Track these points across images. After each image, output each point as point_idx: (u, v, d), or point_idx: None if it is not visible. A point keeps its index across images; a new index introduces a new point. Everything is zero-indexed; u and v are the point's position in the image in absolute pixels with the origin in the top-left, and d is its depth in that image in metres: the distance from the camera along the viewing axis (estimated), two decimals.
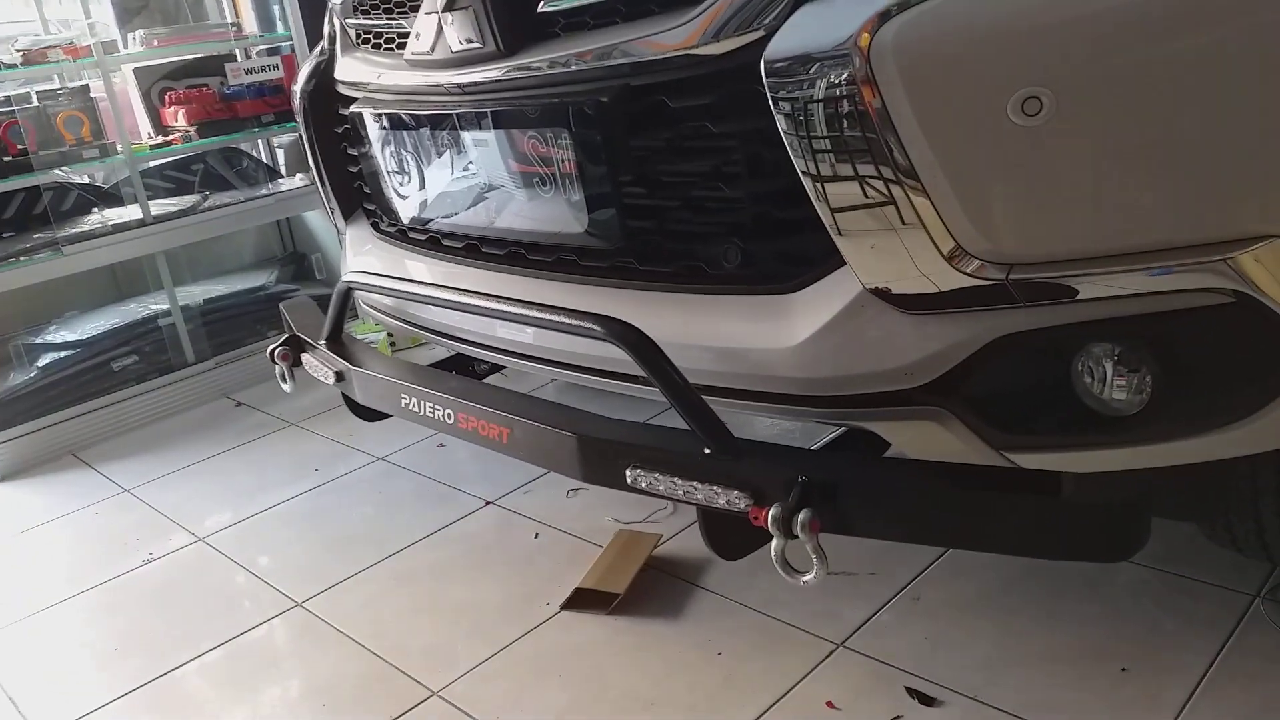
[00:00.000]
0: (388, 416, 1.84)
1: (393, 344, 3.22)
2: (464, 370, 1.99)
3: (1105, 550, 1.03)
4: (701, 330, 1.31)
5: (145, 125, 3.34)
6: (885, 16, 1.01)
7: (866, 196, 1.07)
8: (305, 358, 1.89)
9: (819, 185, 1.09)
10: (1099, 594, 1.61)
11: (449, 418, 1.49)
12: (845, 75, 1.03)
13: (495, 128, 1.45)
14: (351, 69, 1.77)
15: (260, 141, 3.67)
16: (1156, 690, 1.40)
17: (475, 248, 1.65)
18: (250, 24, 3.52)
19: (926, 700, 1.45)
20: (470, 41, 1.42)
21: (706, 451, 1.21)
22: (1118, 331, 1.07)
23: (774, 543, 1.13)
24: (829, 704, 1.46)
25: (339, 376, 1.76)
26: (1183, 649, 1.47)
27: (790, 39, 1.08)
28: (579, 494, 2.18)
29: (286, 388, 1.96)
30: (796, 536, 1.10)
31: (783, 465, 1.17)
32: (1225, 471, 1.31)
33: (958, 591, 1.68)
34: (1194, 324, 1.04)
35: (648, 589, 1.80)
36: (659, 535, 1.95)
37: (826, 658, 1.57)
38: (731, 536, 1.26)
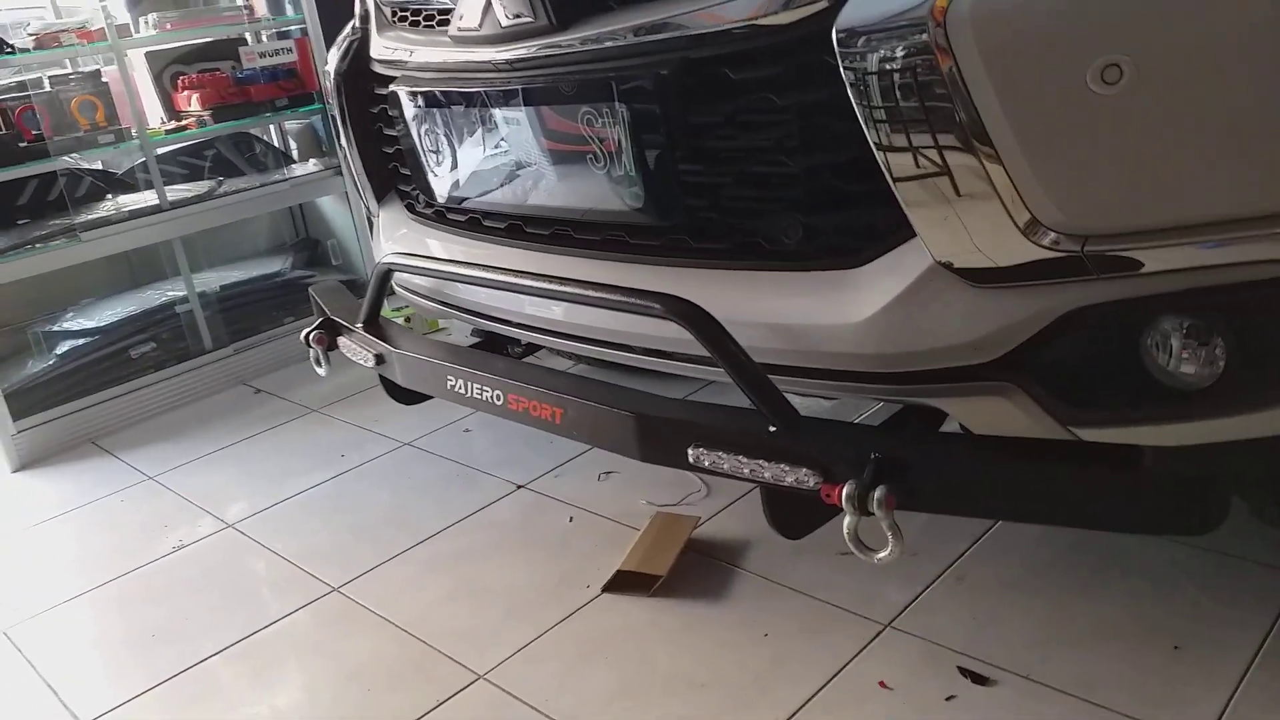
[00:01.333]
0: (426, 399, 1.83)
1: (409, 329, 3.20)
2: (499, 352, 1.98)
3: (1186, 523, 1.03)
4: (762, 307, 1.30)
5: (157, 110, 3.31)
6: None
7: (940, 168, 1.06)
8: (342, 340, 1.88)
9: (891, 156, 1.08)
10: (1140, 572, 1.61)
11: (498, 399, 1.48)
12: (920, 43, 1.01)
13: (544, 105, 1.43)
14: (388, 47, 1.75)
15: (271, 127, 3.64)
16: (1210, 666, 1.40)
17: (518, 228, 1.63)
18: (261, 7, 3.48)
19: (980, 679, 1.44)
20: (520, 16, 1.40)
21: (772, 430, 1.20)
22: (1190, 304, 1.06)
23: (846, 520, 1.12)
24: (881, 684, 1.46)
25: (379, 359, 1.74)
26: (1233, 625, 1.47)
27: (863, 7, 1.07)
28: (611, 477, 2.17)
29: (321, 371, 1.94)
30: (872, 513, 1.09)
31: (853, 443, 1.16)
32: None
33: (1001, 570, 1.68)
34: (1264, 296, 1.03)
35: (688, 571, 1.79)
36: (697, 517, 1.94)
37: (875, 638, 1.56)
38: (794, 515, 1.25)
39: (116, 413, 2.92)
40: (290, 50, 3.29)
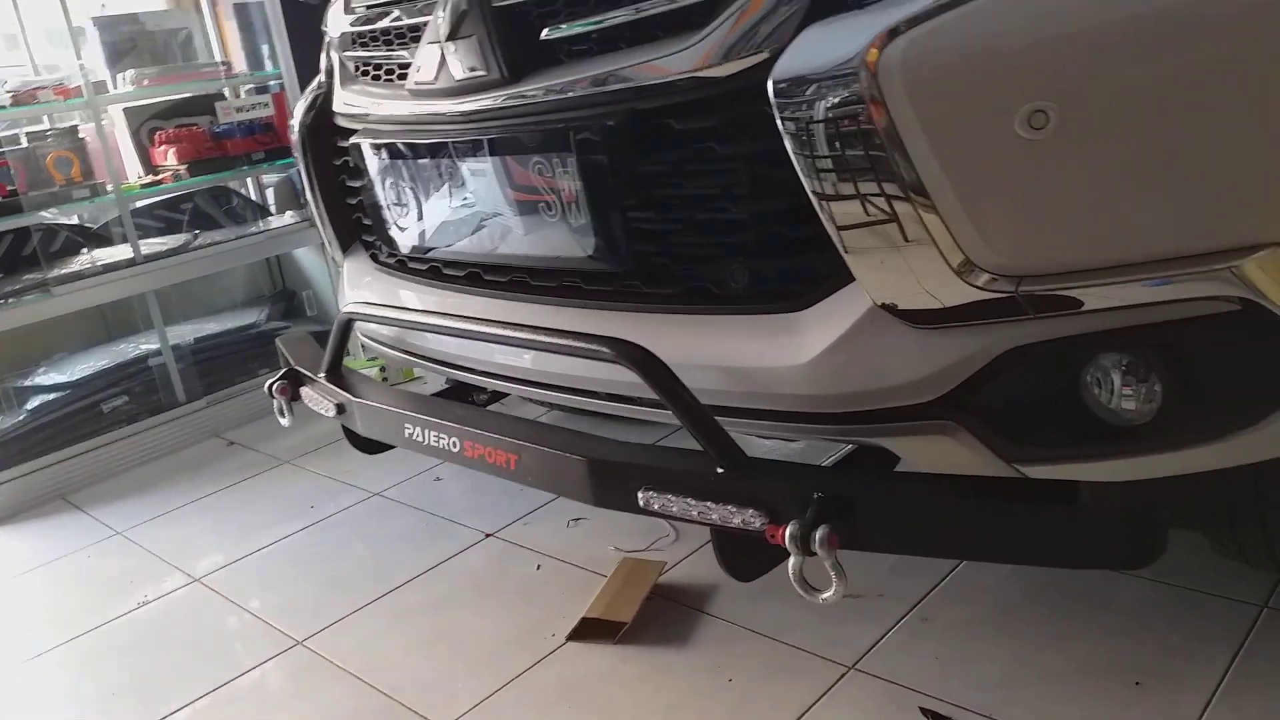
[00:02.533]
0: (389, 449, 1.82)
1: (384, 379, 3.20)
2: (463, 400, 1.98)
3: (1124, 557, 1.03)
4: (710, 350, 1.31)
5: (135, 165, 3.34)
6: (891, 34, 1.03)
7: (875, 213, 1.08)
8: (305, 391, 1.88)
9: (827, 204, 1.10)
10: (1106, 609, 1.61)
11: (455, 446, 1.48)
12: (852, 93, 1.04)
13: (498, 154, 1.46)
14: (351, 101, 1.78)
15: (249, 179, 3.67)
16: (1172, 703, 1.40)
17: (477, 275, 1.65)
18: (240, 63, 3.53)
19: None
20: (474, 70, 1.43)
21: (720, 471, 1.21)
22: (1126, 341, 1.08)
23: (791, 560, 1.13)
24: None
25: (340, 409, 1.75)
26: (1195, 660, 1.47)
27: (797, 59, 1.10)
28: (580, 524, 2.17)
29: (284, 422, 1.94)
30: (815, 553, 1.10)
31: (797, 482, 1.17)
32: (1230, 480, 1.31)
33: (966, 611, 1.68)
34: (1201, 332, 1.05)
35: (654, 617, 1.78)
36: (663, 563, 1.93)
37: (839, 680, 1.55)
38: (745, 557, 1.26)
39: (87, 467, 2.90)
40: (267, 105, 3.33)
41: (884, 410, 1.17)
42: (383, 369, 3.18)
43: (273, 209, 3.67)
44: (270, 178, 3.66)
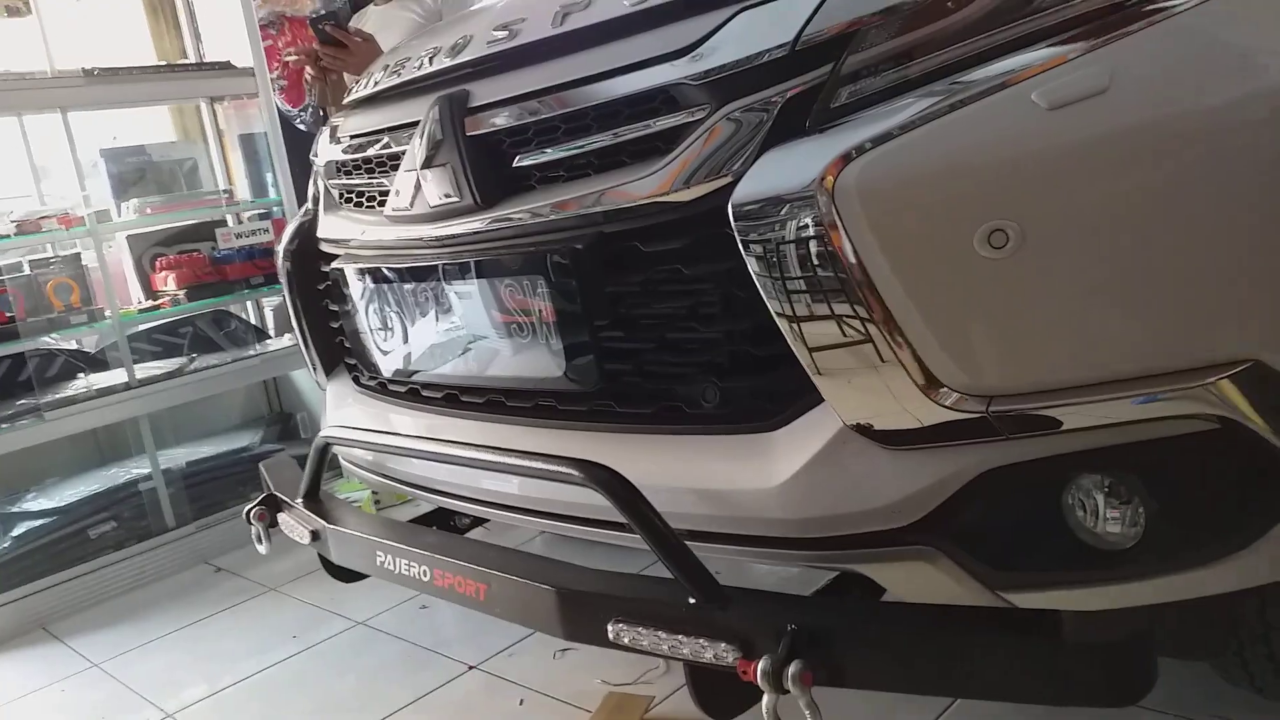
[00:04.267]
0: (365, 577, 1.77)
1: (377, 501, 3.16)
2: (445, 525, 1.94)
3: (1112, 694, 0.97)
4: (683, 472, 1.28)
5: (136, 290, 3.39)
6: (847, 158, 1.03)
7: (840, 335, 1.07)
8: (281, 517, 1.84)
9: (792, 325, 1.09)
10: None
11: (425, 575, 1.44)
12: (811, 217, 1.04)
13: (474, 278, 1.46)
14: (334, 227, 1.80)
15: (248, 303, 3.71)
16: None
17: (454, 398, 1.63)
18: (243, 190, 3.62)
19: None
20: (448, 196, 1.45)
21: (691, 601, 1.16)
22: (1105, 462, 1.05)
23: (765, 699, 1.06)
24: None
25: (315, 535, 1.71)
26: None
27: (756, 184, 1.10)
28: (567, 654, 2.09)
29: (262, 549, 1.90)
30: (788, 691, 1.04)
31: (771, 613, 1.11)
32: (1233, 605, 1.25)
33: None
34: (1180, 452, 1.02)
35: None
36: (651, 697, 1.85)
37: None
38: (721, 694, 1.19)
39: (72, 595, 2.84)
40: (267, 230, 3.40)
41: (860, 535, 1.13)
42: (375, 491, 3.14)
43: (271, 331, 3.70)
44: (270, 300, 3.70)
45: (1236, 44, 0.99)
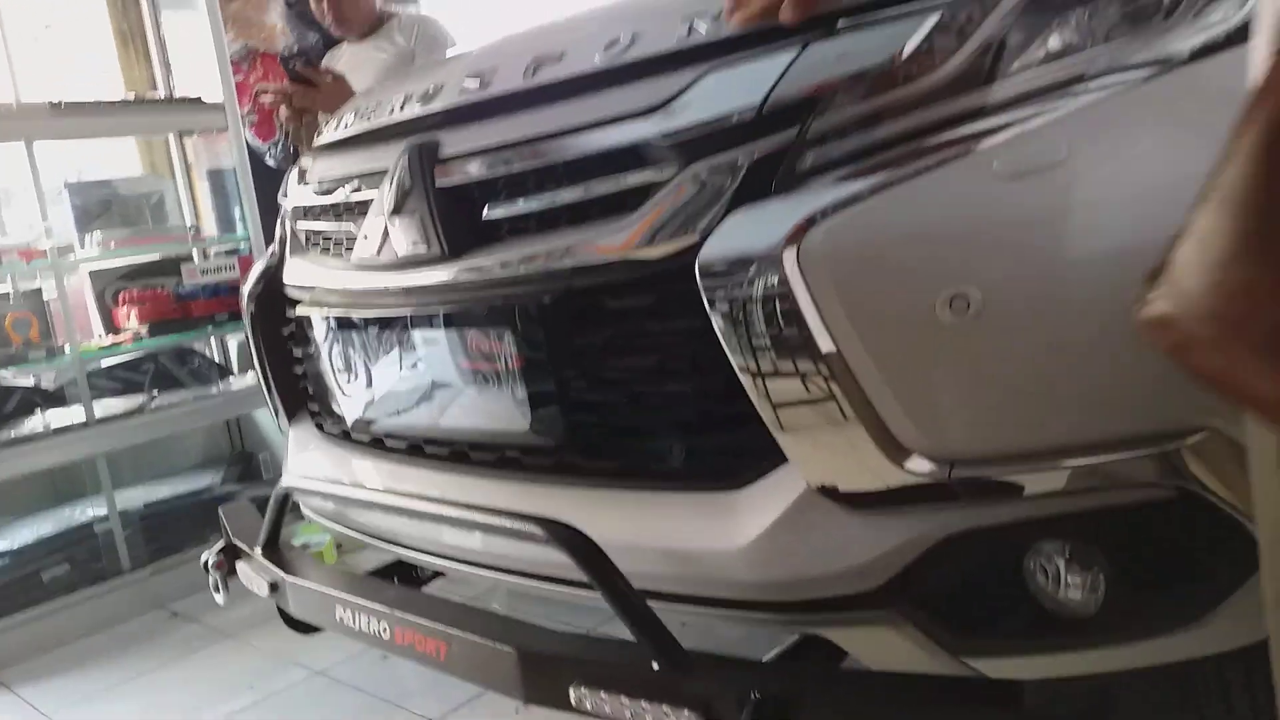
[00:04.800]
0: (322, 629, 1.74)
1: (339, 545, 3.11)
2: (407, 573, 1.91)
3: None
4: (649, 530, 1.26)
5: (98, 325, 3.33)
6: (812, 222, 1.03)
7: (804, 395, 1.06)
8: (240, 566, 1.80)
9: (756, 385, 1.08)
10: None
11: (385, 632, 1.40)
12: (776, 278, 1.04)
13: (440, 328, 1.45)
14: (300, 271, 1.78)
15: (212, 340, 3.67)
16: None
17: (418, 448, 1.61)
18: (210, 225, 3.59)
19: None
20: (416, 245, 1.44)
21: (654, 666, 1.14)
22: (1066, 528, 1.05)
23: None
24: None
25: (273, 587, 1.67)
26: None
27: (722, 244, 1.10)
28: (530, 708, 2.04)
29: (219, 599, 1.85)
30: None
31: (734, 681, 1.10)
32: (1192, 672, 1.25)
33: None
34: (1140, 520, 1.02)
35: None
36: None
37: None
38: None
39: (24, 641, 2.76)
40: (234, 267, 3.36)
41: (825, 600, 1.12)
42: (336, 540, 3.09)
43: (235, 369, 3.65)
44: (235, 337, 3.66)
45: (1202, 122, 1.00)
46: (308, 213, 1.80)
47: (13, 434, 2.89)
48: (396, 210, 1.45)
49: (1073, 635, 1.05)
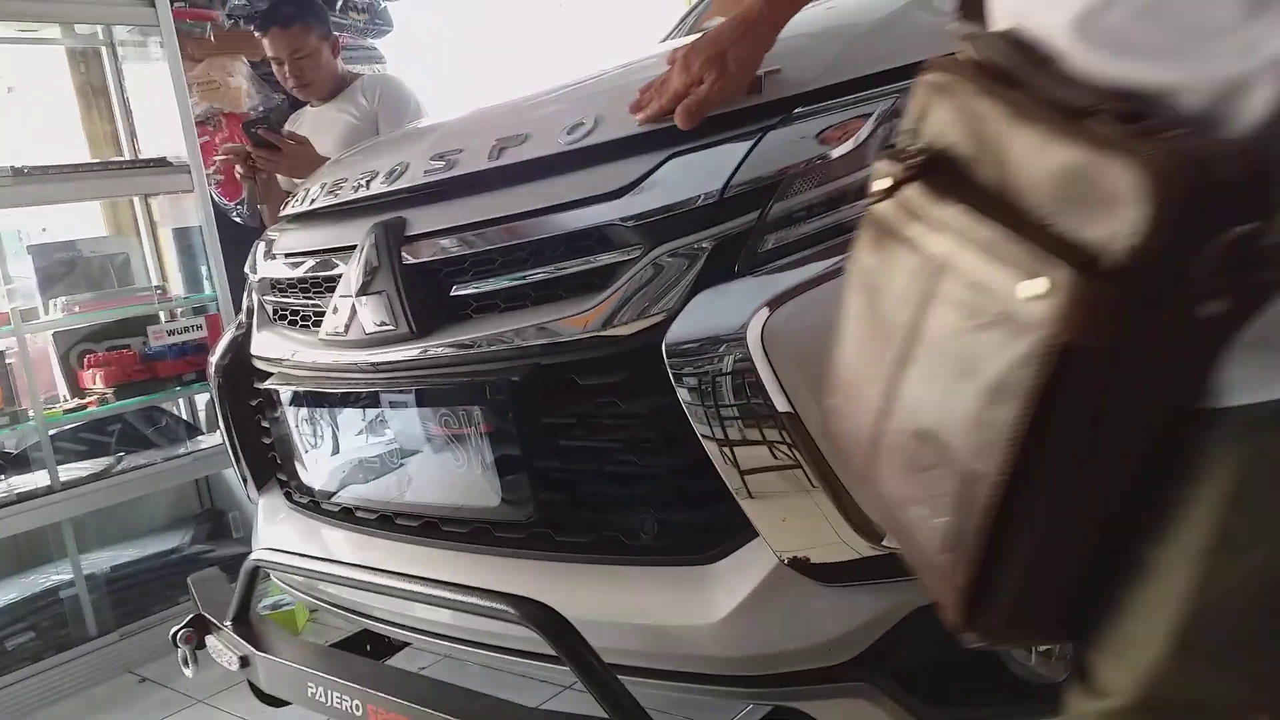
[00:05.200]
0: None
1: (311, 615, 3.06)
2: (377, 643, 1.90)
3: None
4: (621, 604, 1.27)
5: (62, 387, 3.29)
6: (775, 304, 1.06)
7: (770, 471, 1.09)
8: (210, 639, 1.78)
9: (724, 462, 1.11)
10: None
11: (358, 709, 1.40)
12: (741, 358, 1.07)
13: (409, 405, 1.46)
14: (268, 344, 1.79)
15: (180, 400, 3.63)
16: None
17: (389, 520, 1.61)
18: (177, 285, 3.57)
19: None
20: (384, 324, 1.45)
21: None
22: None
23: None
24: None
25: (244, 661, 1.65)
26: None
27: (688, 324, 1.13)
28: None
29: (188, 672, 1.83)
30: None
31: None
32: None
33: None
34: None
35: None
36: None
37: None
38: None
39: None
40: (200, 327, 3.34)
41: (798, 673, 1.14)
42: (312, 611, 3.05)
43: (203, 428, 3.62)
44: (203, 396, 3.62)
45: None
46: (274, 286, 1.80)
47: None
48: (364, 289, 1.47)
49: (1044, 702, 1.07)
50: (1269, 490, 0.59)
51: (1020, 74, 0.63)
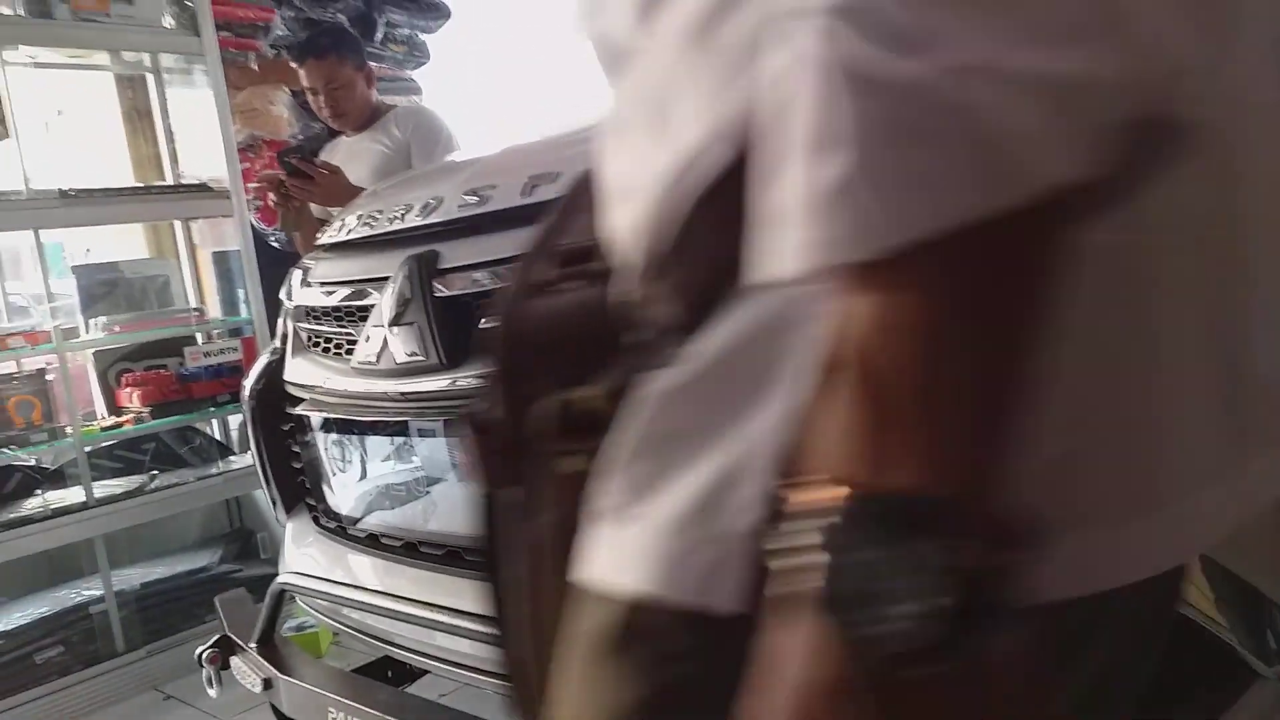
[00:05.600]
0: None
1: (335, 639, 3.08)
2: (399, 668, 1.92)
3: None
4: None
5: (100, 405, 3.36)
6: None
7: None
8: (235, 661, 1.81)
9: None
10: None
11: None
12: None
13: (436, 435, 1.48)
14: (301, 370, 1.82)
15: (214, 420, 3.69)
16: None
17: (413, 547, 1.63)
18: (214, 307, 3.63)
19: None
20: (414, 354, 1.48)
21: None
22: None
23: None
24: None
25: (267, 684, 1.68)
26: None
27: None
28: None
29: (213, 693, 1.86)
30: None
31: None
32: None
33: None
34: None
35: None
36: None
37: None
38: None
39: None
40: (236, 349, 3.40)
41: None
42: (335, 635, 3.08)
43: (235, 448, 3.67)
44: (236, 418, 3.68)
45: None
46: (309, 314, 1.84)
47: (12, 515, 2.90)
48: (396, 319, 1.50)
49: None
50: None
51: None
